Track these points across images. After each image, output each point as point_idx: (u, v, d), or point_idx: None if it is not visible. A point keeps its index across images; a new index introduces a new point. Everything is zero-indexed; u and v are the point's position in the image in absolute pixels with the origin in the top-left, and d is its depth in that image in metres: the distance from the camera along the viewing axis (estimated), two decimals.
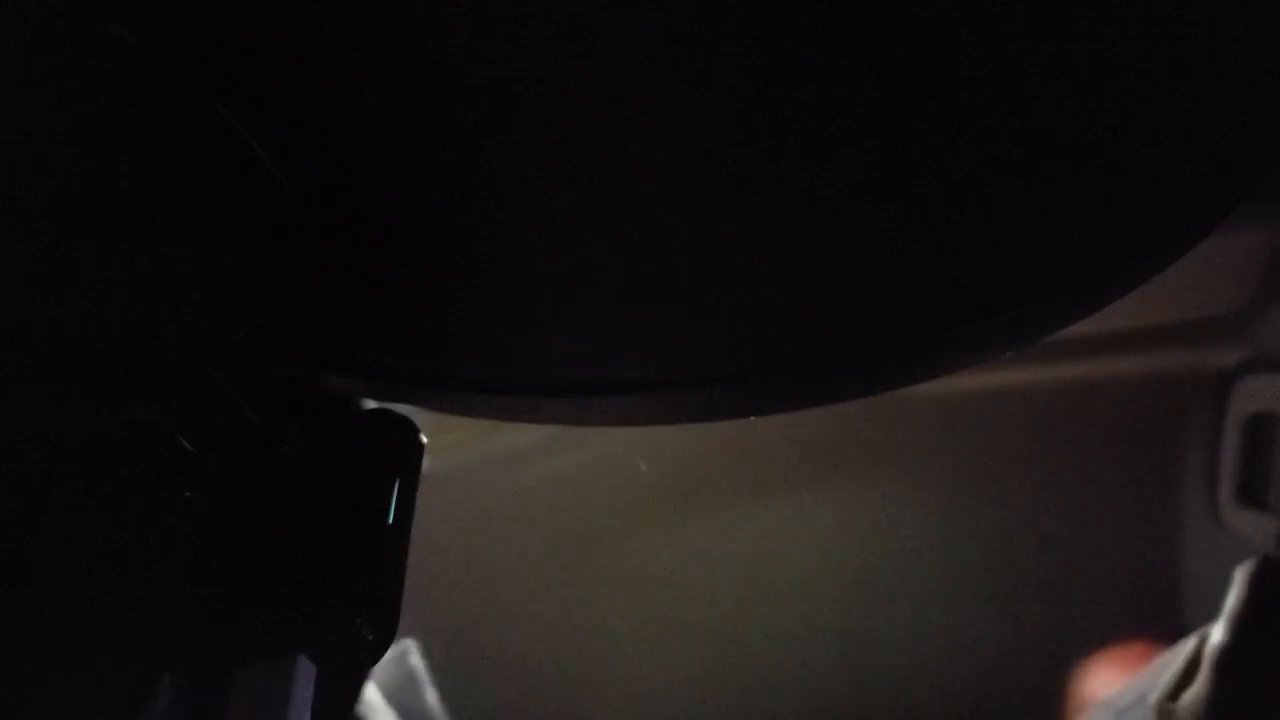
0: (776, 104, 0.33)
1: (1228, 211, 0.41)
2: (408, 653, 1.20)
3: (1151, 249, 0.42)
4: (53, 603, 0.38)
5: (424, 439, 0.44)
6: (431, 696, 1.21)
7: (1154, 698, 0.98)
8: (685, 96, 0.33)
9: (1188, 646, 1.02)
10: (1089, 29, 0.33)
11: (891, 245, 0.38)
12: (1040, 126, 0.36)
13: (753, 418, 0.53)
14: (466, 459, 1.46)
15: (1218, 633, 0.95)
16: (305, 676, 0.38)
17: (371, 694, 0.97)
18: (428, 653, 1.48)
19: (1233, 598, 0.96)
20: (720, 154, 0.35)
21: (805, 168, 0.35)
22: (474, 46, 0.33)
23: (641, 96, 0.33)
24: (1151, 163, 0.38)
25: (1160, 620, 1.51)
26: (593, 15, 0.31)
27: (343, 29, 0.33)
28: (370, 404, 0.47)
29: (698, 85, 0.33)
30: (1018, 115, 0.35)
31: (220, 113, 0.35)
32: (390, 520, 0.42)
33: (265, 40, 0.33)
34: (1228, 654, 0.93)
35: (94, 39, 0.33)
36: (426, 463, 0.44)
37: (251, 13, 0.33)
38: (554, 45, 0.32)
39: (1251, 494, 1.43)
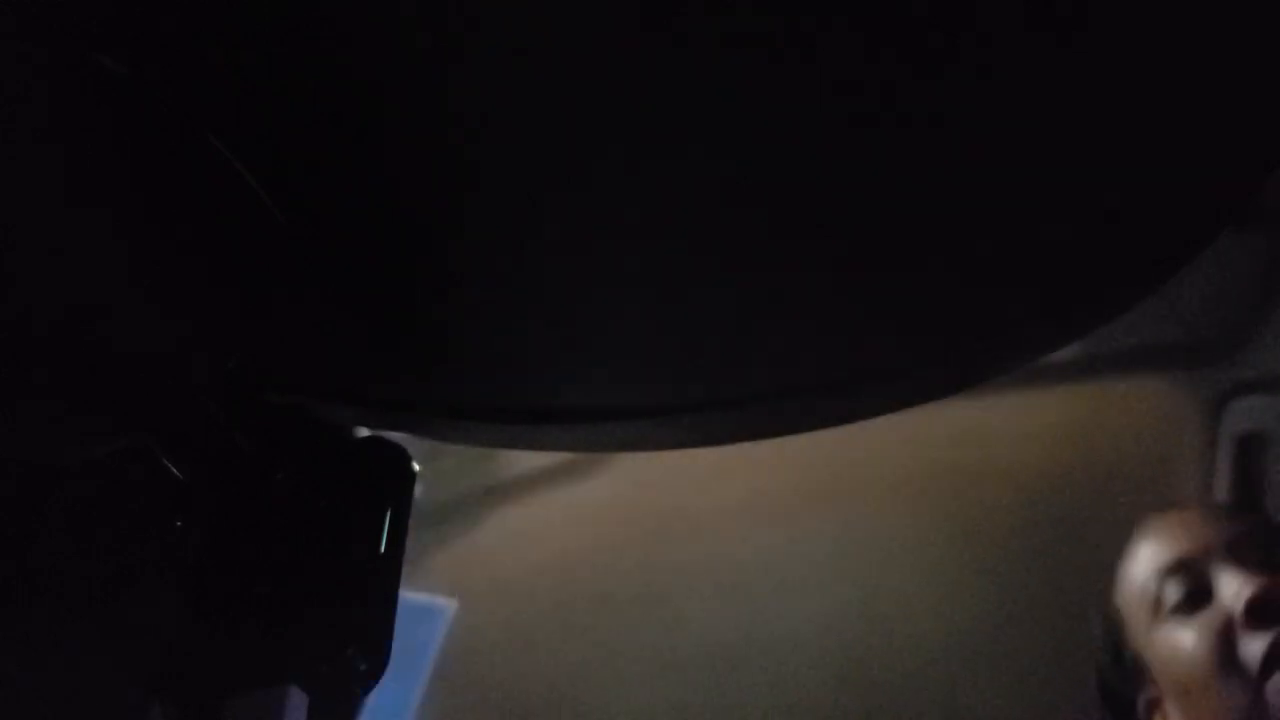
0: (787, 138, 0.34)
1: (1211, 239, 0.41)
2: None
3: (1139, 274, 0.42)
4: (43, 632, 0.38)
5: (416, 467, 0.44)
6: None
7: None
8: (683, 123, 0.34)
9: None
10: (1076, 73, 0.34)
11: (902, 271, 0.39)
12: (1033, 164, 0.36)
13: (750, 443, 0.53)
14: (460, 487, 1.46)
15: None
16: (297, 705, 0.38)
17: None
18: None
19: None
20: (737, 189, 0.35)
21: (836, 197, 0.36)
22: (467, 74, 0.33)
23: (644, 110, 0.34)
24: (1131, 194, 0.38)
25: None
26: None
27: (334, 57, 0.33)
28: (363, 432, 0.47)
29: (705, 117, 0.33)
30: (1014, 147, 0.35)
31: (212, 142, 0.35)
32: (382, 549, 0.42)
33: (257, 70, 0.33)
34: None
35: (86, 70, 0.33)
36: (419, 490, 0.44)
37: (243, 43, 0.33)
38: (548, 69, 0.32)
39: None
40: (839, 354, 0.42)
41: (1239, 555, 0.89)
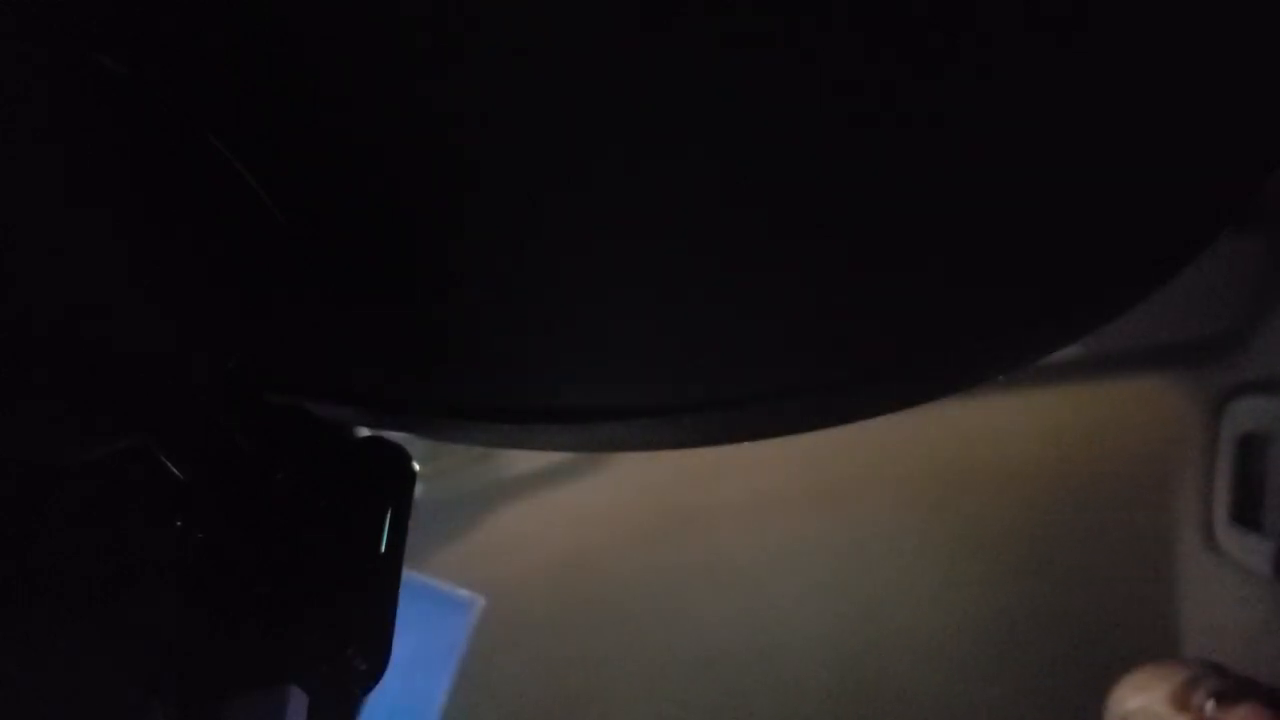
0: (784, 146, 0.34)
1: (1211, 239, 0.41)
2: None
3: (1139, 274, 0.42)
4: (43, 632, 0.38)
5: (416, 467, 0.44)
6: None
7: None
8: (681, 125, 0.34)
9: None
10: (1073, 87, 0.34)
11: (902, 266, 0.39)
12: (1033, 164, 0.36)
13: (751, 443, 0.53)
14: (460, 487, 1.46)
15: None
16: (297, 706, 0.38)
17: None
18: None
19: None
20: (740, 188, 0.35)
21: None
22: (467, 74, 0.33)
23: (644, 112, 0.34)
24: (1132, 194, 0.38)
25: (1155, 639, 1.51)
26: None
27: (334, 57, 0.33)
28: (363, 432, 0.47)
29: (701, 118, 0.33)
30: (1014, 147, 0.35)
31: (212, 142, 0.35)
32: (382, 549, 0.42)
33: (257, 70, 0.33)
34: None
35: (86, 70, 0.33)
36: (419, 490, 0.44)
37: (243, 43, 0.33)
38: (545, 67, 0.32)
39: (1245, 515, 1.43)
40: (839, 354, 0.42)
41: (1176, 701, 1.26)
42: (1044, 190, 0.37)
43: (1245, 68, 0.36)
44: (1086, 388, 1.53)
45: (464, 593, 1.32)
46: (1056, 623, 1.54)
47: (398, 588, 0.42)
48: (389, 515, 0.42)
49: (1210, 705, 1.24)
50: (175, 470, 0.39)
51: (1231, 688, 1.26)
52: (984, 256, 0.39)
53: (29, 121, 0.33)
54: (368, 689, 0.40)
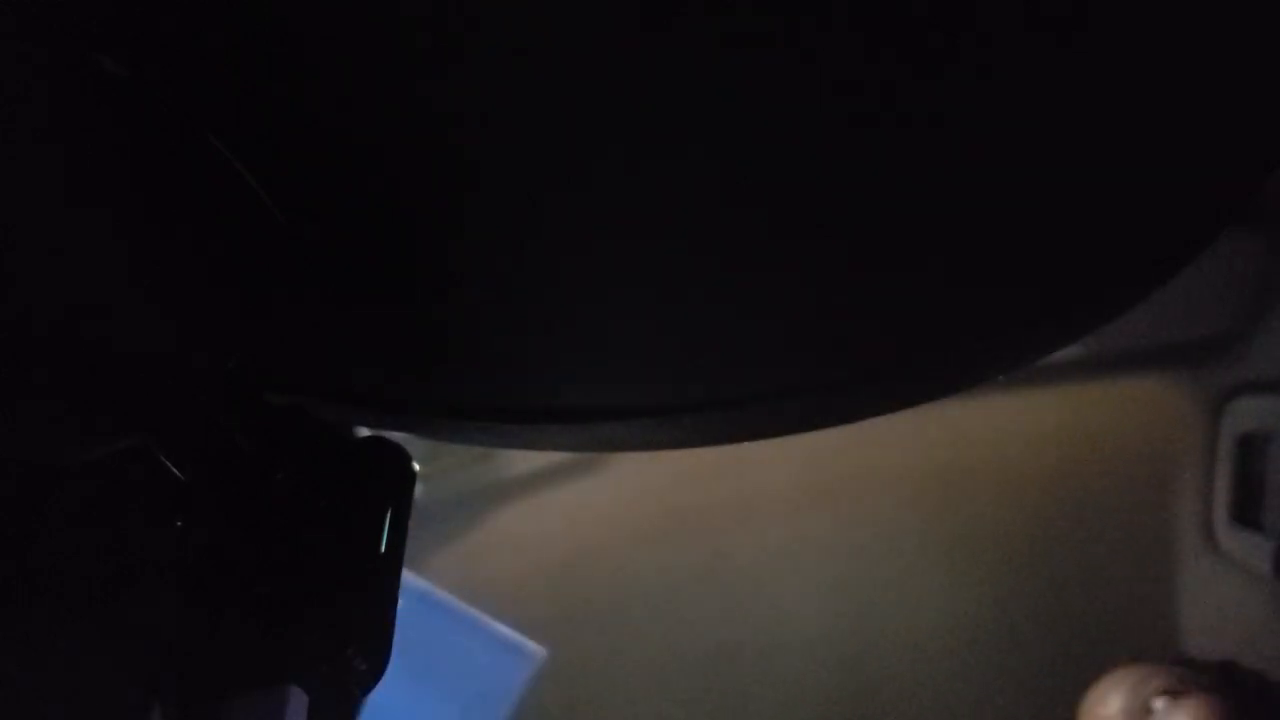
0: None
1: (1211, 239, 0.41)
2: None
3: (1139, 274, 0.42)
4: (43, 632, 0.38)
5: (416, 467, 0.44)
6: None
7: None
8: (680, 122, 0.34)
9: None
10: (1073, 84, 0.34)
11: (903, 266, 0.39)
12: (1033, 164, 0.36)
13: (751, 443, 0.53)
14: (460, 487, 1.46)
15: None
16: (297, 706, 0.38)
17: None
18: None
19: None
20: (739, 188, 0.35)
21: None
22: (467, 74, 0.33)
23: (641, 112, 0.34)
24: (1132, 194, 0.38)
25: (1155, 639, 1.51)
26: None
27: (334, 57, 0.33)
28: (363, 432, 0.47)
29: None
30: (1014, 147, 0.35)
31: (212, 142, 0.35)
32: (382, 549, 0.42)
33: (257, 70, 0.33)
34: None
35: (86, 70, 0.33)
36: (419, 490, 0.44)
37: (243, 43, 0.33)
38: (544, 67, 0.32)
39: (1245, 515, 1.43)
40: (839, 354, 0.42)
41: (1174, 693, 1.28)
42: (1044, 191, 0.37)
43: (1245, 68, 0.36)
44: (1086, 388, 1.53)
45: (529, 644, 1.31)
46: (1056, 623, 1.54)
47: (398, 588, 0.42)
48: (389, 515, 0.42)
49: (1161, 704, 1.29)
50: (175, 470, 0.39)
51: (1181, 681, 1.30)
52: (984, 256, 0.39)
53: (29, 121, 0.33)
54: (368, 689, 0.40)
